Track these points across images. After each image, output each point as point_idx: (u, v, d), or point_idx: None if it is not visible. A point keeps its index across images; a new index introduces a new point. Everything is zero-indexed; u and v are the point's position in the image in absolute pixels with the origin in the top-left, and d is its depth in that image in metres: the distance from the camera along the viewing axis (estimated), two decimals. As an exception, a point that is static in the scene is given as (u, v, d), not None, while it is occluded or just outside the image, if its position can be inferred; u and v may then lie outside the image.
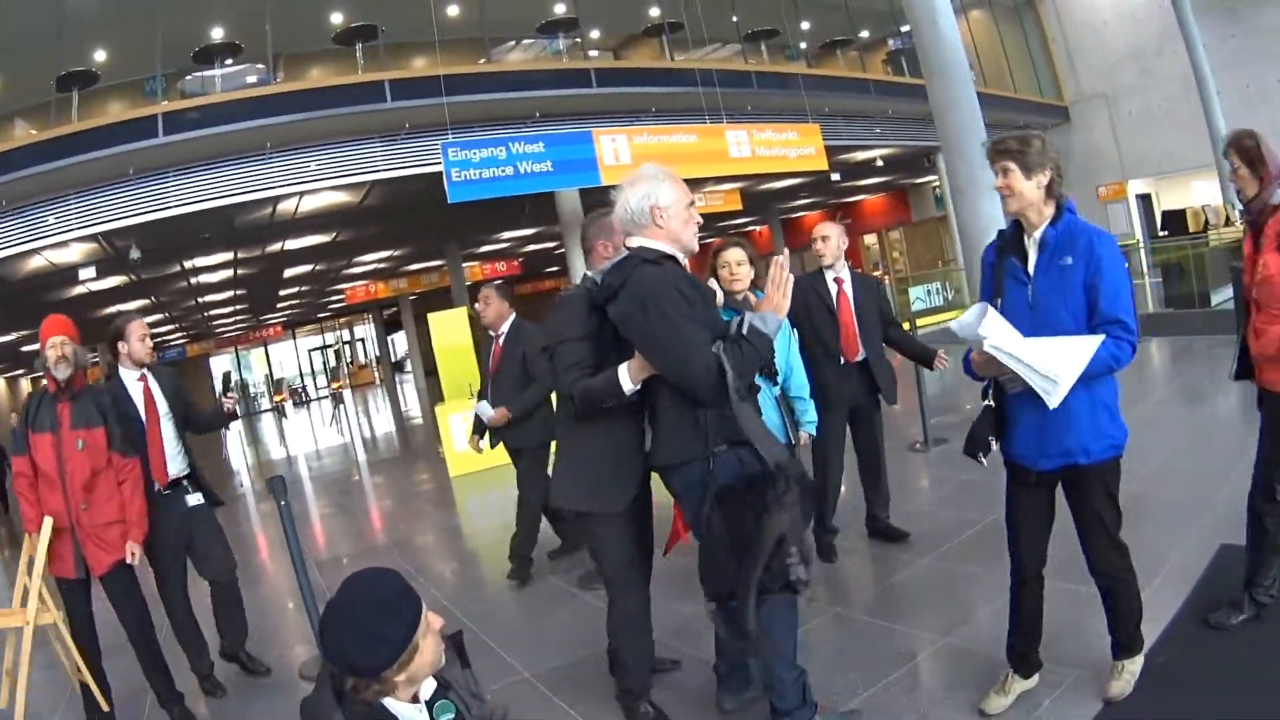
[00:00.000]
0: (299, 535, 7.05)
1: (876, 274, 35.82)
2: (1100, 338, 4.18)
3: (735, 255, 6.40)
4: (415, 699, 2.89)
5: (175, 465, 6.79)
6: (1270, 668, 4.83)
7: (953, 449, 9.77)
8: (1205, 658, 5.02)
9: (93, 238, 18.60)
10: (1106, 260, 4.29)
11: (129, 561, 6.18)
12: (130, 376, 6.80)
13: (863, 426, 7.94)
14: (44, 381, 6.20)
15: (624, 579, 5.16)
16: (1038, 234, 4.44)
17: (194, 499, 6.88)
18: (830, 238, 7.68)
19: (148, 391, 6.78)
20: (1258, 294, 4.98)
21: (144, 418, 6.66)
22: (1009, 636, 4.94)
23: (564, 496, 5.22)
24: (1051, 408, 4.19)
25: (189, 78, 19.07)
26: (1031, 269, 4.46)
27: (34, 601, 6.01)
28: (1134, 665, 4.81)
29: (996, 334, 4.13)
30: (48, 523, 5.90)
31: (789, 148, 20.69)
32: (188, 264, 26.21)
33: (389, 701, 2.81)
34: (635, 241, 4.56)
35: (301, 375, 57.34)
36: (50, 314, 6.47)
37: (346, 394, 28.34)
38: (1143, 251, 27.50)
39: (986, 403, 4.68)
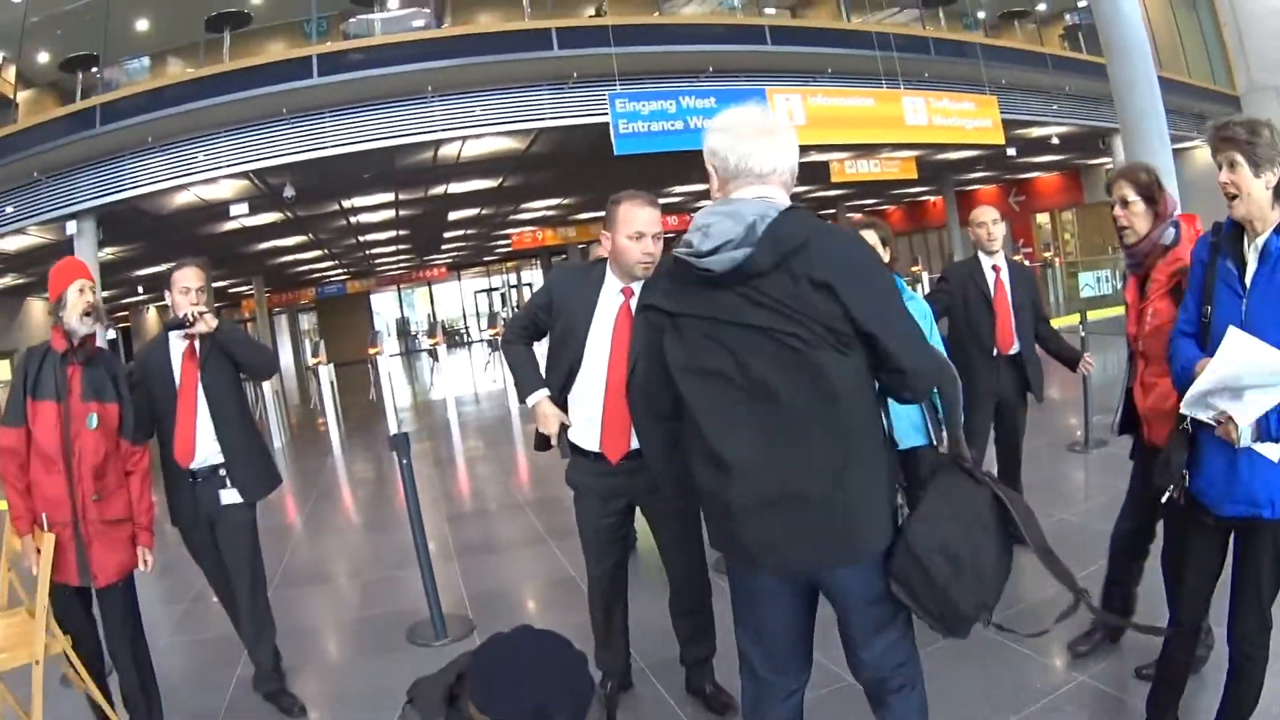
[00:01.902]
0: (439, 483, 6.10)
1: (1046, 255, 34.72)
2: None
3: (868, 235, 5.51)
4: None
5: (205, 449, 5.47)
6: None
7: (1114, 453, 8.76)
8: None
9: (244, 175, 18.43)
10: None
11: (143, 569, 5.18)
12: (177, 338, 5.49)
13: (1006, 421, 7.50)
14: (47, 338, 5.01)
15: None
16: (1260, 240, 3.63)
17: (229, 495, 5.54)
18: (990, 223, 7.16)
19: (189, 353, 5.47)
20: (1145, 346, 4.49)
21: (178, 383, 5.44)
22: (1152, 688, 4.43)
23: None
24: (1241, 441, 3.50)
25: (352, 20, 18.64)
26: (1249, 280, 3.67)
27: (41, 628, 4.67)
28: None
29: (1207, 381, 3.51)
30: (49, 539, 4.68)
31: (965, 118, 20.16)
32: (346, 203, 25.91)
33: None
34: (756, 191, 3.18)
35: (465, 317, 57.84)
36: (69, 261, 5.36)
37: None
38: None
39: (1184, 426, 3.85)
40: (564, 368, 4.80)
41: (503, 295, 59.34)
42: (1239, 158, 3.54)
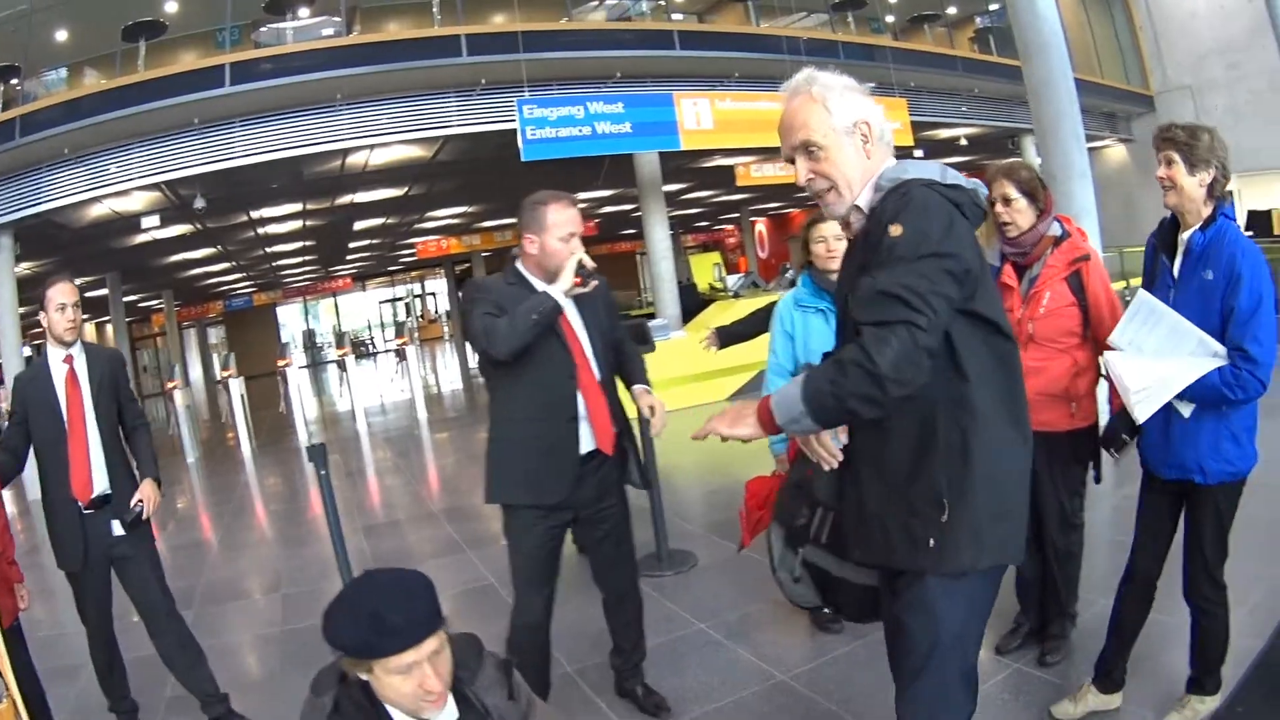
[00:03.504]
0: (351, 494, 6.57)
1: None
2: (1212, 364, 4.06)
3: (830, 229, 5.68)
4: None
5: (100, 478, 5.39)
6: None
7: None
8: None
9: (155, 186, 18.52)
10: (1246, 281, 4.09)
11: (24, 606, 5.28)
12: (56, 356, 5.42)
13: None
14: None
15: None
16: (1186, 235, 4.29)
17: (118, 527, 5.40)
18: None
19: (71, 377, 5.39)
20: (1035, 329, 4.91)
21: (64, 411, 5.34)
22: (1105, 641, 4.84)
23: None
24: (1138, 421, 4.24)
25: (264, 29, 18.94)
26: (1176, 273, 4.33)
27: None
28: (1202, 705, 4.63)
29: (1119, 338, 4.32)
30: None
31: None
32: (255, 214, 25.92)
33: (394, 711, 2.84)
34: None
35: (370, 328, 57.75)
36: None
37: (412, 349, 28.48)
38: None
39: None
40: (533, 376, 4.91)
41: (407, 305, 59.67)
42: (1176, 156, 4.17)
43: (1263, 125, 28.62)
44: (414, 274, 59.27)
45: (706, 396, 15.16)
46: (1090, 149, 32.67)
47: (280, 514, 12.48)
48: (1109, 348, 4.42)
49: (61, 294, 5.30)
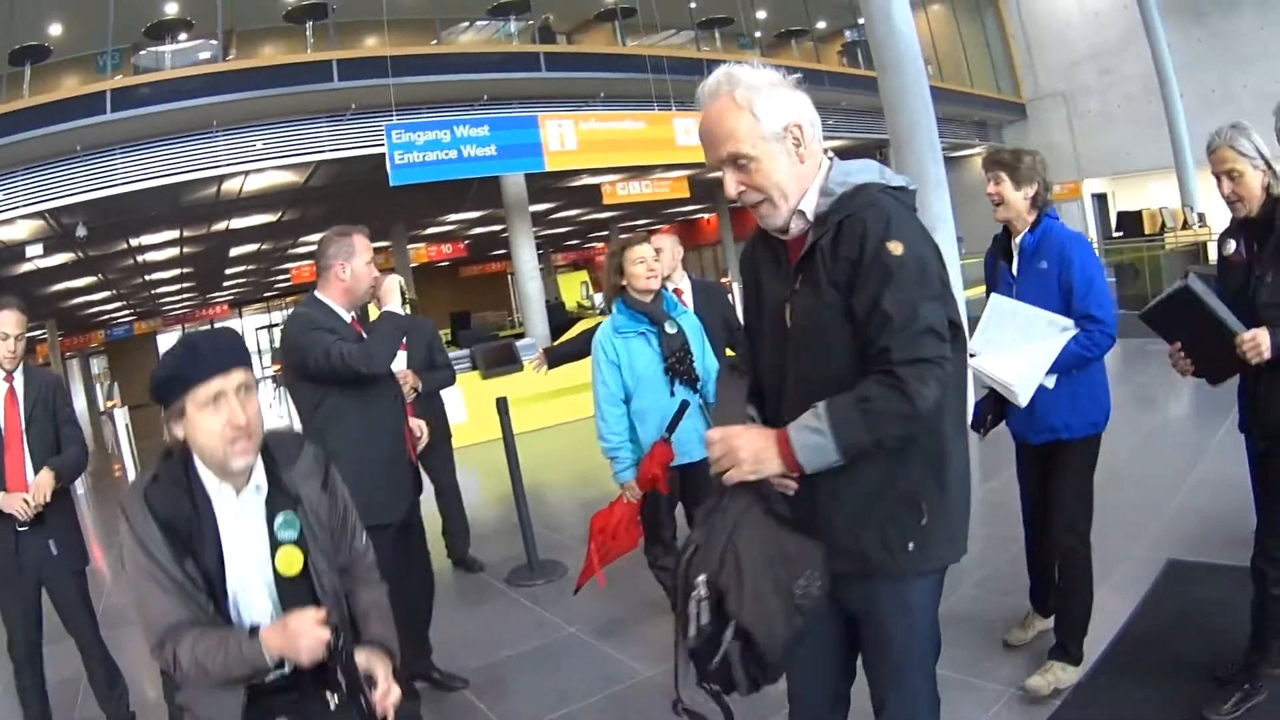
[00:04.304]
0: None
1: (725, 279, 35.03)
2: (1063, 339, 4.71)
3: (647, 251, 5.90)
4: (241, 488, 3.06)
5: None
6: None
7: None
8: (1143, 680, 5.02)
9: (40, 215, 18.55)
10: (1077, 261, 4.82)
11: None
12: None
13: None
14: None
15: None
16: (1018, 240, 5.01)
17: (54, 547, 5.56)
18: (664, 250, 6.87)
19: (10, 397, 5.50)
20: None
21: (2, 429, 5.45)
22: (1029, 575, 5.57)
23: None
24: (1020, 406, 4.80)
25: (142, 53, 19.03)
26: (1015, 271, 5.03)
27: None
28: (1064, 673, 5.02)
29: (981, 352, 4.87)
30: None
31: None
32: (134, 241, 26.29)
33: (203, 472, 3.03)
34: None
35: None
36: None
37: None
38: (1097, 252, 27.84)
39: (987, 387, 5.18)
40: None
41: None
42: (1003, 175, 4.89)
43: (1135, 128, 29.91)
44: (289, 300, 57.52)
45: (574, 413, 14.96)
46: (960, 157, 33.76)
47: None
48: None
49: (6, 323, 5.42)
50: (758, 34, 28.07)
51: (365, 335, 5.20)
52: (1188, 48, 28.18)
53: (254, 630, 2.92)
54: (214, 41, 19.01)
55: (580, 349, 7.02)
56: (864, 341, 2.83)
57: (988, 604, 6.13)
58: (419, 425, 6.10)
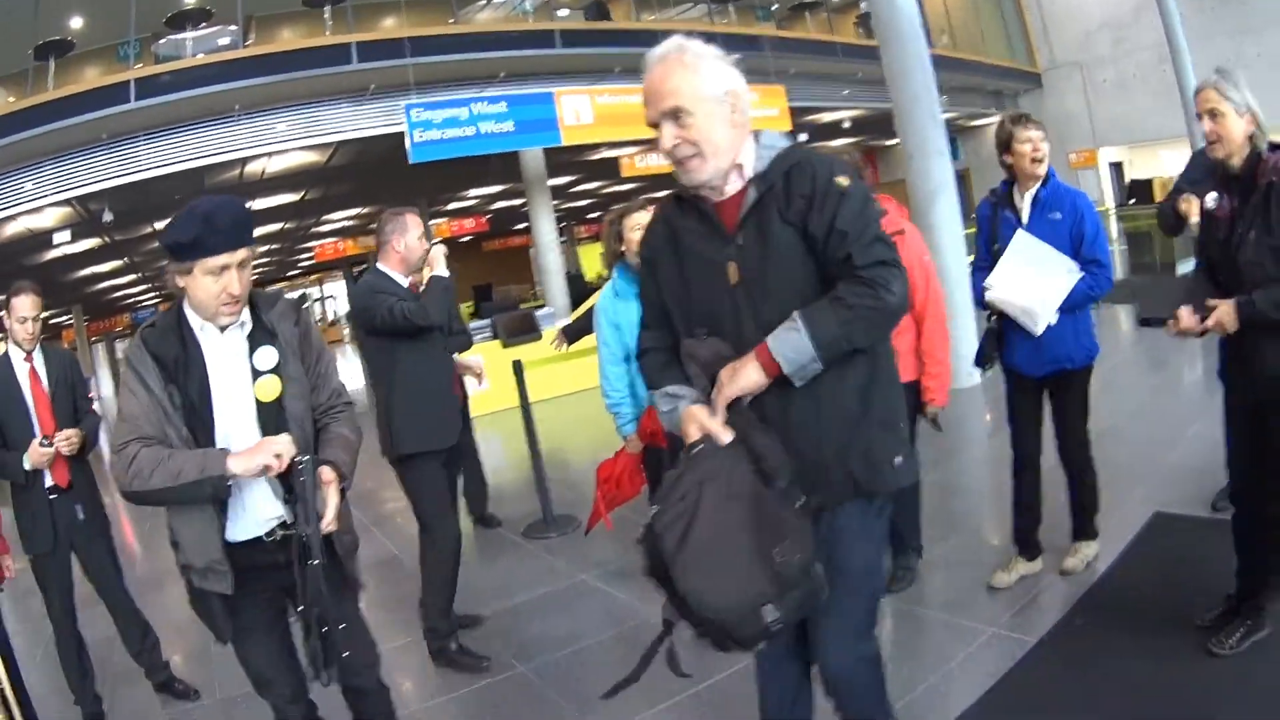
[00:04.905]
0: None
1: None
2: (1073, 280, 5.32)
3: (644, 218, 5.94)
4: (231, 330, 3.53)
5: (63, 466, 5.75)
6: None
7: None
8: (1119, 623, 5.23)
9: (67, 202, 19.22)
10: (1087, 215, 5.44)
11: (10, 576, 5.67)
12: (18, 355, 5.80)
13: None
14: None
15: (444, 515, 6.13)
16: (1030, 194, 5.52)
17: (81, 512, 5.85)
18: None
19: (33, 374, 5.78)
20: None
21: (32, 406, 5.72)
22: (1014, 521, 5.96)
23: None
24: (1036, 333, 5.37)
25: (162, 41, 19.27)
26: (1025, 219, 5.52)
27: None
28: (1088, 549, 5.83)
29: (999, 285, 5.47)
30: None
31: (752, 108, 20.84)
32: (160, 225, 25.04)
33: (193, 318, 3.51)
34: None
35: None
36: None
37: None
38: (1113, 219, 28.11)
39: (989, 326, 5.70)
40: None
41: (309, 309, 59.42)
42: (1040, 134, 5.43)
43: (1149, 97, 30.06)
44: (313, 277, 59.64)
45: (593, 380, 14.93)
46: (974, 126, 33.95)
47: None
48: (923, 312, 5.70)
49: (24, 307, 5.76)
50: (774, 6, 28.32)
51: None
52: (1200, 16, 27.85)
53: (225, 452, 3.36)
54: (233, 27, 19.42)
55: (591, 323, 7.34)
56: (824, 262, 3.05)
57: (979, 550, 6.54)
58: (477, 362, 7.33)
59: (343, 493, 3.58)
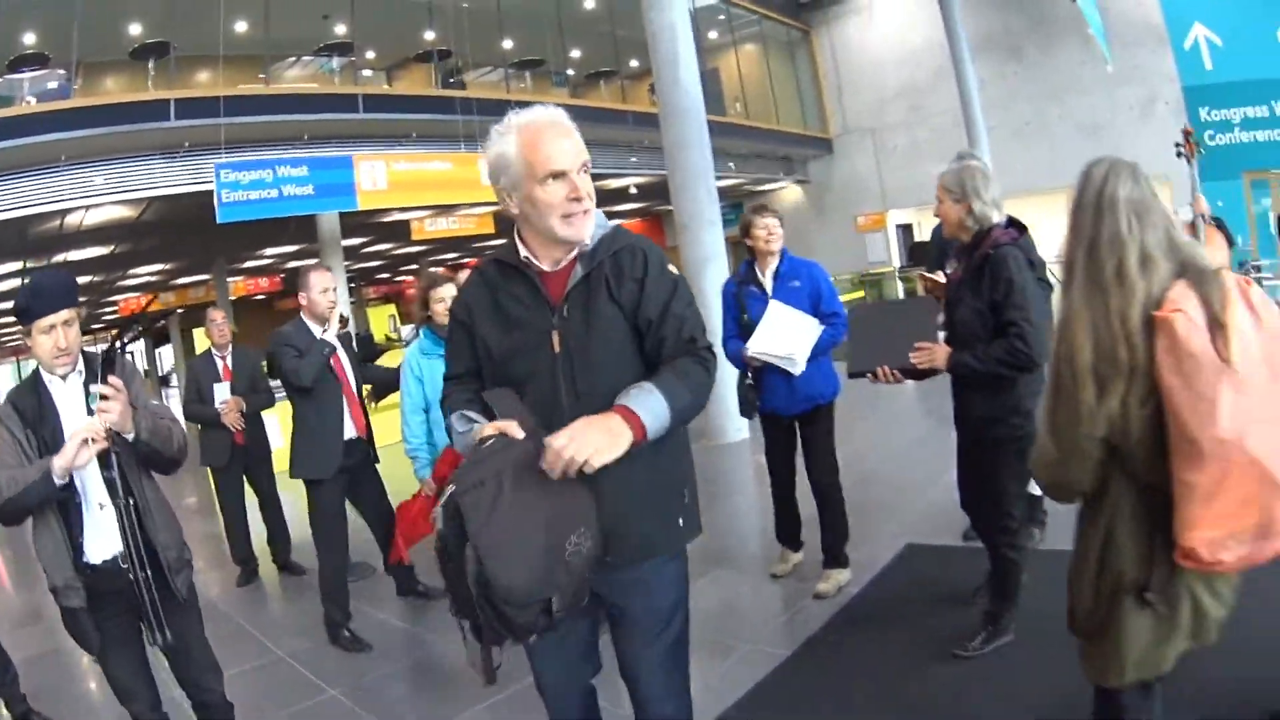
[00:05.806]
0: None
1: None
2: (819, 330, 6.46)
3: (450, 290, 6.92)
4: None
5: None
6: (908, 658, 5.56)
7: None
8: (869, 635, 5.94)
9: None
10: (821, 279, 6.62)
11: None
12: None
13: None
14: None
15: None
16: (770, 269, 6.68)
17: None
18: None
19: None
20: None
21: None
22: (777, 528, 7.25)
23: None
24: (796, 374, 6.42)
25: None
26: (771, 290, 6.62)
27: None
28: (840, 575, 6.76)
29: (761, 343, 6.51)
30: None
31: None
32: None
33: (44, 373, 4.27)
34: None
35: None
36: None
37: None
38: (897, 279, 30.71)
39: (748, 381, 6.75)
40: None
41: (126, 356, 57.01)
42: (776, 225, 6.57)
43: (940, 162, 29.86)
44: (113, 331, 59.32)
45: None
46: (764, 191, 36.14)
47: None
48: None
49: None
50: (570, 72, 30.16)
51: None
52: (1002, 82, 30.58)
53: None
54: (61, 72, 19.21)
55: (394, 380, 7.83)
56: (655, 341, 3.29)
57: (759, 549, 7.92)
58: (238, 402, 8.74)
59: (139, 444, 4.17)
